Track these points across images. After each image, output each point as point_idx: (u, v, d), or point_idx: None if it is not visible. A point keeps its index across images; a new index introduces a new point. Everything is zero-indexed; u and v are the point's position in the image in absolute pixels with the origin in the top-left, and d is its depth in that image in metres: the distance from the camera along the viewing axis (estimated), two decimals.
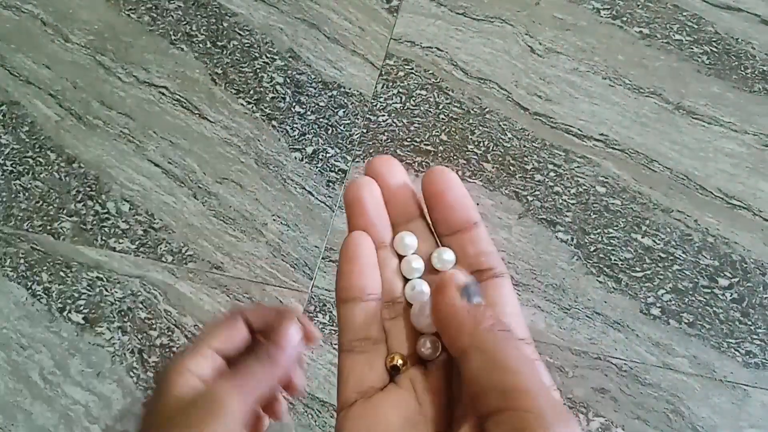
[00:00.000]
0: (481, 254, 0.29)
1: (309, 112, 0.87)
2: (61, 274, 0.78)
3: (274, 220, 0.80)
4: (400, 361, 0.28)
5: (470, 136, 0.85)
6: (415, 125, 0.85)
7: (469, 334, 0.26)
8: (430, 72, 0.89)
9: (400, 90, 0.88)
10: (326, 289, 0.77)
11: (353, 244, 0.28)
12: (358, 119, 0.86)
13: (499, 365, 0.24)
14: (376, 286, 0.29)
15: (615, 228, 0.79)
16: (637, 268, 0.77)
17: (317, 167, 0.83)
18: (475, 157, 0.83)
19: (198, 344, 0.35)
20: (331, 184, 0.82)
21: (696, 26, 0.91)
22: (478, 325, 0.26)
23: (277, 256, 0.78)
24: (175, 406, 0.32)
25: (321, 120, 0.86)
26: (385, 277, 0.29)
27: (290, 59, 0.90)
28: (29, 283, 0.78)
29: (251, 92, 0.88)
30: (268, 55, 0.91)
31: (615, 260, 0.78)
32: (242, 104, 0.87)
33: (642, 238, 0.79)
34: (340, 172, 0.83)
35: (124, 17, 0.94)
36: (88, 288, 0.77)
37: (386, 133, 0.85)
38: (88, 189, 0.83)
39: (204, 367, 0.34)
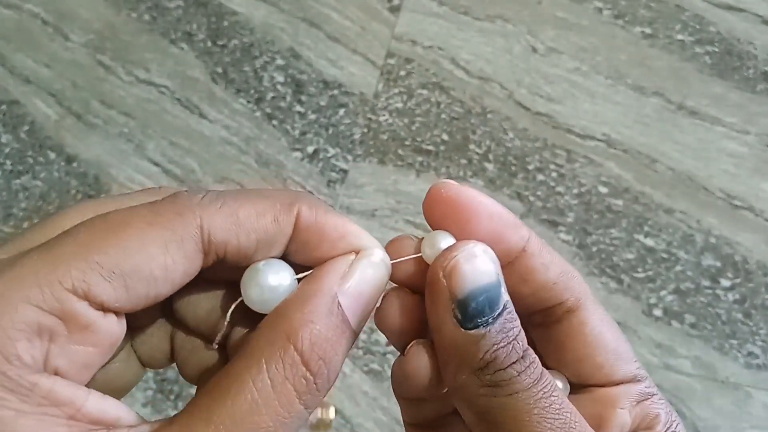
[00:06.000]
0: (540, 290, 0.21)
1: (310, 112, 0.86)
2: None
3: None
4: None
5: (471, 136, 0.84)
6: (417, 125, 0.85)
7: (451, 379, 0.19)
8: (432, 71, 0.88)
9: (402, 89, 0.87)
10: None
11: None
12: (359, 119, 0.86)
13: None
14: None
15: (617, 228, 0.79)
16: (640, 269, 0.77)
17: (318, 167, 0.83)
18: (477, 156, 0.83)
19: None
20: (331, 183, 0.82)
21: (698, 26, 0.91)
22: (466, 368, 0.18)
23: None
24: None
25: (322, 119, 0.86)
26: None
27: (291, 58, 0.90)
28: None
29: (251, 91, 0.88)
30: (269, 54, 0.90)
31: (617, 261, 0.77)
32: (242, 103, 0.87)
33: (644, 238, 0.79)
34: (341, 172, 0.82)
35: (124, 16, 0.93)
36: None
37: (387, 133, 0.85)
38: (88, 188, 0.82)
39: (74, 360, 0.17)
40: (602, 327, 0.21)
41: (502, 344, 0.18)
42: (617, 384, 0.21)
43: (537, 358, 0.19)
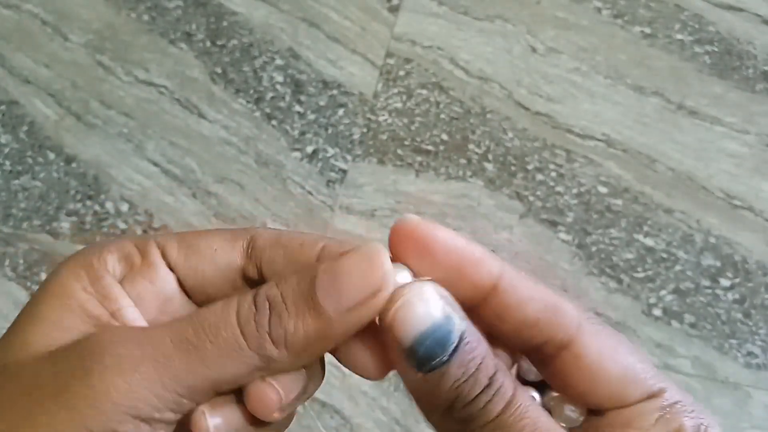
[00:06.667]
0: (520, 329, 0.19)
1: (309, 112, 0.86)
2: None
3: (273, 220, 0.80)
4: None
5: (471, 136, 0.84)
6: (416, 125, 0.85)
7: (426, 418, 0.18)
8: (431, 71, 0.88)
9: (401, 89, 0.87)
10: None
11: None
12: (358, 119, 0.86)
13: None
14: None
15: (617, 228, 0.79)
16: (639, 269, 0.77)
17: (317, 167, 0.83)
18: (476, 156, 0.83)
19: (149, 245, 0.24)
20: (331, 183, 0.82)
21: (698, 26, 0.91)
22: (434, 409, 0.18)
23: None
24: (21, 363, 0.19)
25: (321, 119, 0.86)
26: None
27: (290, 58, 0.90)
28: (28, 283, 0.77)
29: (251, 91, 0.88)
30: (268, 55, 0.90)
31: (617, 261, 0.77)
32: (242, 103, 0.87)
33: (644, 238, 0.79)
34: (340, 172, 0.82)
35: (123, 16, 0.93)
36: None
37: (387, 133, 0.85)
38: (88, 188, 0.82)
39: (136, 291, 0.22)
40: (603, 356, 0.20)
41: (463, 379, 0.17)
42: (633, 404, 0.20)
43: (506, 377, 0.18)
